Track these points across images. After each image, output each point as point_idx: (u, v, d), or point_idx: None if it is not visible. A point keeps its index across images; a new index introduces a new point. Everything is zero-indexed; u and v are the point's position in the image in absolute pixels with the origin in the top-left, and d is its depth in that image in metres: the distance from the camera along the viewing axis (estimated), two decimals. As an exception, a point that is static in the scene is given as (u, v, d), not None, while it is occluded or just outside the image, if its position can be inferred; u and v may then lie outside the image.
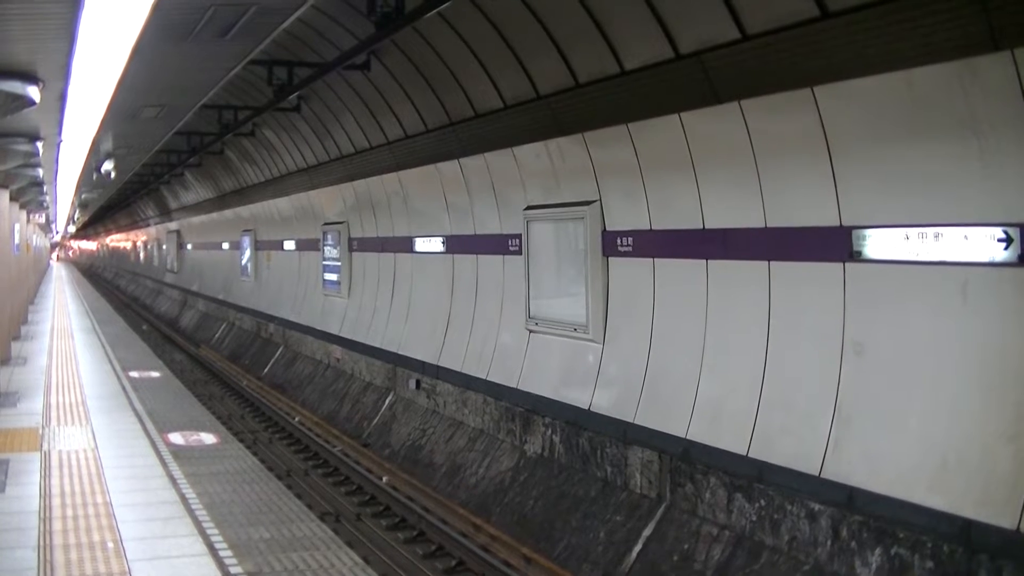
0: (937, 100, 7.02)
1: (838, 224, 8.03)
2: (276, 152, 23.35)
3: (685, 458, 9.73)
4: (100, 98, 12.72)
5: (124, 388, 15.76)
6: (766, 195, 8.82)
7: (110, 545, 7.20)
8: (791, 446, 8.54)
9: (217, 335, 32.87)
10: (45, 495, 8.55)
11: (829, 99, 7.86)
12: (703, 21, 8.74)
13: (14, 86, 9.20)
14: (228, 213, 32.15)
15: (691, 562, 9.13)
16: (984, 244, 6.77)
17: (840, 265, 8.06)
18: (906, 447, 7.48)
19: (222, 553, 7.20)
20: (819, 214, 8.22)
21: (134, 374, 17.85)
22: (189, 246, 42.67)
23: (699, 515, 9.44)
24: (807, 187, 8.33)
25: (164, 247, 48.60)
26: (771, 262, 8.88)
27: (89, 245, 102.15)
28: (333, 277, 21.52)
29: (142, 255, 59.38)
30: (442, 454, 14.46)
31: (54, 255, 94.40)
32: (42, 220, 41.17)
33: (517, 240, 13.27)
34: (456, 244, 15.48)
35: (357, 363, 19.59)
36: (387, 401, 17.50)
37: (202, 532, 7.67)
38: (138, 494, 8.77)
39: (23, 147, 13.84)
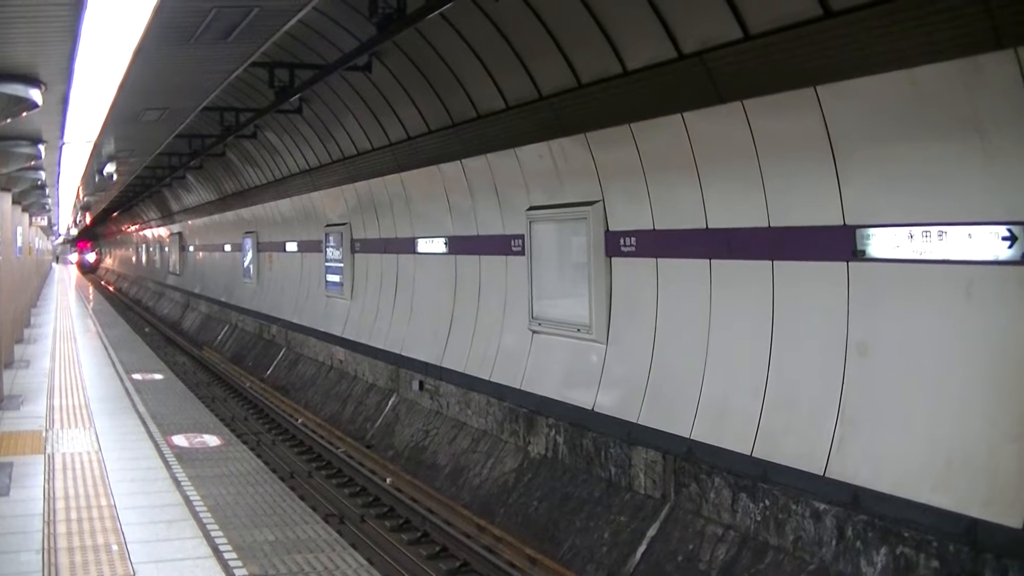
0: (941, 99, 7.02)
1: (842, 223, 8.02)
2: (278, 154, 23.36)
3: (689, 458, 9.72)
4: (102, 101, 12.68)
5: (127, 390, 15.72)
6: (769, 195, 8.81)
7: (114, 548, 7.19)
8: (795, 446, 8.53)
9: (220, 337, 32.87)
10: (49, 498, 8.53)
11: (832, 98, 7.85)
12: (705, 21, 8.73)
13: (16, 89, 9.17)
14: (230, 215, 32.15)
15: (696, 562, 9.12)
16: (988, 243, 6.77)
17: (844, 264, 8.05)
18: (911, 446, 7.47)
19: (227, 555, 7.19)
20: (823, 213, 8.21)
21: (137, 376, 17.81)
22: (191, 248, 42.69)
23: (703, 515, 9.43)
24: (810, 186, 8.32)
25: (166, 249, 48.62)
26: (774, 262, 8.87)
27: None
28: (335, 279, 21.52)
29: (144, 257, 59.41)
30: (446, 455, 14.45)
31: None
32: (44, 223, 41.17)
33: (520, 241, 13.26)
34: (459, 245, 15.47)
35: (360, 364, 19.58)
36: (390, 402, 17.49)
37: (206, 534, 7.65)
38: (142, 497, 8.75)
39: (25, 150, 13.80)
